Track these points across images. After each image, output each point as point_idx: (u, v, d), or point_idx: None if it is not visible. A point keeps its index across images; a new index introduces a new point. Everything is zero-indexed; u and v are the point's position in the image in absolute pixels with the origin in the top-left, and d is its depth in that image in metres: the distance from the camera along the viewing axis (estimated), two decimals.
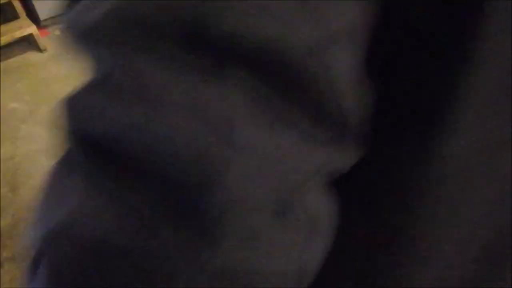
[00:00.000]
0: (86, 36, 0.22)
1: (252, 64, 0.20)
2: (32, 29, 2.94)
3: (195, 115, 0.20)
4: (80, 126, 0.23)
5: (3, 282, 1.70)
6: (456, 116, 0.25)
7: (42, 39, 3.03)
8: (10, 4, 2.94)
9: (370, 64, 0.23)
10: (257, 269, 0.21)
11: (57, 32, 3.24)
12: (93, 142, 0.21)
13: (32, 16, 3.14)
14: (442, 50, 0.24)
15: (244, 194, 0.20)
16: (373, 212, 0.31)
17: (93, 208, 0.21)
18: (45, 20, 3.25)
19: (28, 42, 3.11)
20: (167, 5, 0.19)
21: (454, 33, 0.23)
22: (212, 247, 0.20)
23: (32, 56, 3.03)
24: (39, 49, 3.03)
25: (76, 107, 0.24)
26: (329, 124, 0.21)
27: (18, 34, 2.90)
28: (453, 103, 0.24)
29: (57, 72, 2.85)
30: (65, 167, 0.25)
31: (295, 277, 0.23)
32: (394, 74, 0.26)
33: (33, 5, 3.11)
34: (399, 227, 0.31)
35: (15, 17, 3.01)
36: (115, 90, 0.21)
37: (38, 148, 2.30)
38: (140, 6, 0.20)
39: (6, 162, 2.23)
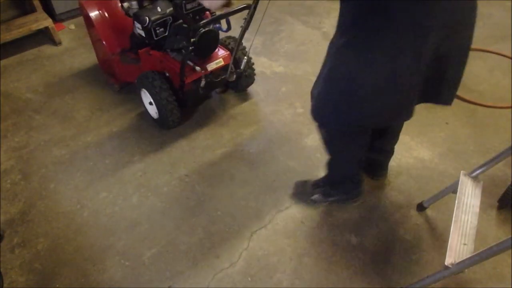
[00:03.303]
0: None
1: None
2: (48, 22, 3.00)
3: None
4: None
5: (14, 266, 1.75)
6: None
7: (57, 32, 3.09)
8: None
9: None
10: None
11: (72, 27, 3.31)
12: None
13: (48, 10, 3.21)
14: None
15: None
16: None
17: None
18: (61, 14, 3.32)
19: (44, 35, 3.18)
20: None
21: None
22: None
23: (47, 49, 3.09)
24: (54, 42, 3.10)
25: None
26: None
27: (35, 27, 2.97)
28: None
29: (71, 65, 2.91)
30: None
31: None
32: None
33: (49, 0, 3.17)
34: None
35: (32, 10, 3.08)
36: None
37: (51, 138, 2.35)
38: None
39: (19, 150, 2.29)
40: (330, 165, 1.83)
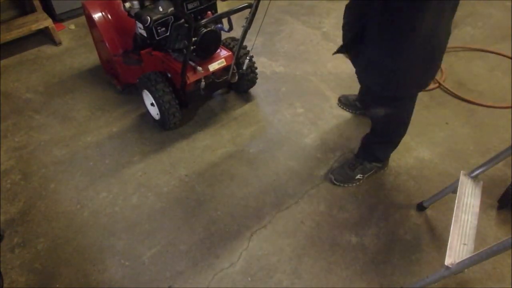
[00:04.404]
0: None
1: None
2: (48, 22, 3.00)
3: None
4: None
5: (14, 266, 1.75)
6: None
7: (57, 32, 3.09)
8: None
9: None
10: None
11: (72, 27, 3.31)
12: None
13: (48, 10, 3.20)
14: None
15: None
16: None
17: None
18: (61, 14, 3.31)
19: (44, 35, 3.18)
20: None
21: None
22: None
23: (47, 49, 3.09)
24: (54, 42, 3.10)
25: None
26: None
27: (35, 27, 2.97)
28: None
29: (71, 65, 2.91)
30: None
31: None
32: None
33: (49, 0, 3.17)
34: None
35: (32, 10, 3.08)
36: None
37: (51, 138, 2.35)
38: None
39: (19, 150, 2.29)
40: (383, 134, 1.94)
